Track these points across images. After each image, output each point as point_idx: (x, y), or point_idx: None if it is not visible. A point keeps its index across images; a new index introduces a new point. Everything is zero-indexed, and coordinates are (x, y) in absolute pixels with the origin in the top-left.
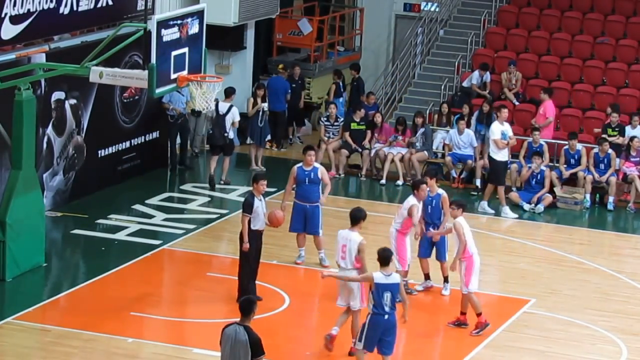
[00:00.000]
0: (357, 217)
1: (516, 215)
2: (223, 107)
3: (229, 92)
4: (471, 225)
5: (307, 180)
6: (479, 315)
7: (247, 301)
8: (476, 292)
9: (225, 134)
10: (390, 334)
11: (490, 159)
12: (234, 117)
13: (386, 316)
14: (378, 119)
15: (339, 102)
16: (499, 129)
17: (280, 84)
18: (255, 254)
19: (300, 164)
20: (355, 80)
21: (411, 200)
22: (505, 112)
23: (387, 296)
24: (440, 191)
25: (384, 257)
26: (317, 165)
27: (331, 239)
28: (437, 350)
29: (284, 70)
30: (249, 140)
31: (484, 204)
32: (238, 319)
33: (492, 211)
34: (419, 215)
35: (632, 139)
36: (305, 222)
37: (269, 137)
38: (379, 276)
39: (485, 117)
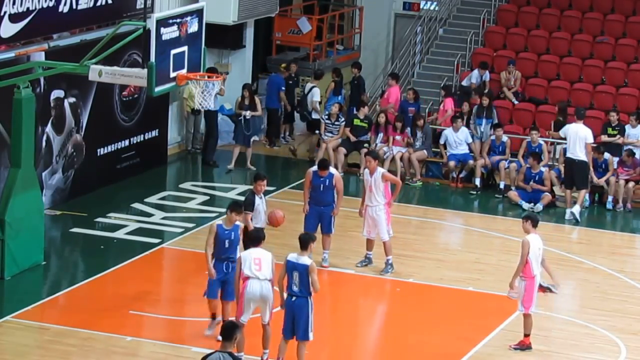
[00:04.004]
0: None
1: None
2: (308, 87)
3: (319, 75)
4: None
5: (321, 187)
6: (527, 336)
7: (229, 325)
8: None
9: (305, 113)
10: (299, 318)
11: (582, 162)
12: (312, 96)
13: (293, 298)
14: (382, 118)
15: (338, 101)
16: (590, 132)
17: (275, 82)
18: None
19: (316, 169)
20: (356, 78)
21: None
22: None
23: (295, 275)
24: (333, 170)
25: (302, 241)
26: (332, 171)
27: (334, 239)
28: (437, 348)
29: (285, 69)
30: (232, 140)
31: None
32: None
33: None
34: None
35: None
36: (318, 223)
37: (256, 137)
38: (292, 256)
39: (485, 111)
